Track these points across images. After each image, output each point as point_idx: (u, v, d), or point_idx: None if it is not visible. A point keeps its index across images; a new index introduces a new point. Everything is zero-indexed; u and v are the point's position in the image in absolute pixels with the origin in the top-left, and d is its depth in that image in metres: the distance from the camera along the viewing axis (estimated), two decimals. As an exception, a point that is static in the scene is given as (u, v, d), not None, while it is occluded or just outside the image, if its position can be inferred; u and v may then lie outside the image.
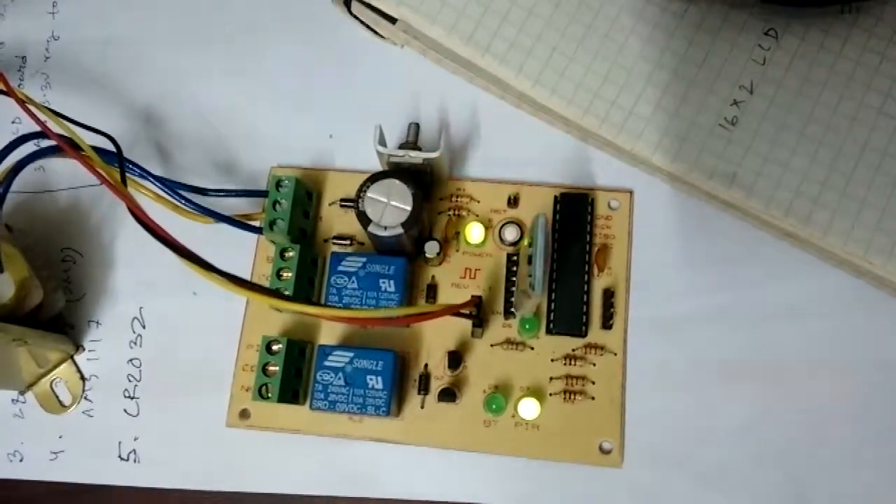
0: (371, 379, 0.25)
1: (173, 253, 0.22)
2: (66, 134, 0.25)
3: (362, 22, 0.30)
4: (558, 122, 0.28)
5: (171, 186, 0.27)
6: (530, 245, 0.23)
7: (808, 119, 0.27)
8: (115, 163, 0.26)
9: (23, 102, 0.25)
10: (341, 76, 0.31)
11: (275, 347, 0.25)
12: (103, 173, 0.24)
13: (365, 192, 0.25)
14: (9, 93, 0.26)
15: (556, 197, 0.27)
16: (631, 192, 0.28)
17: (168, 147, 0.31)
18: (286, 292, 0.25)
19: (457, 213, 0.28)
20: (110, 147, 0.26)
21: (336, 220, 0.28)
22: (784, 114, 0.27)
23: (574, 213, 0.27)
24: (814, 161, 0.26)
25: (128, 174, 0.26)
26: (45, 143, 0.25)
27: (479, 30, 0.28)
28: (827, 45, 0.27)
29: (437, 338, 0.27)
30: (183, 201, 0.27)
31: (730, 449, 0.25)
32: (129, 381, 0.28)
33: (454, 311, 0.23)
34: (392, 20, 0.29)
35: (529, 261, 0.22)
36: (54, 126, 0.25)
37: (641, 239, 0.27)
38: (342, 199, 0.28)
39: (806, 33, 0.27)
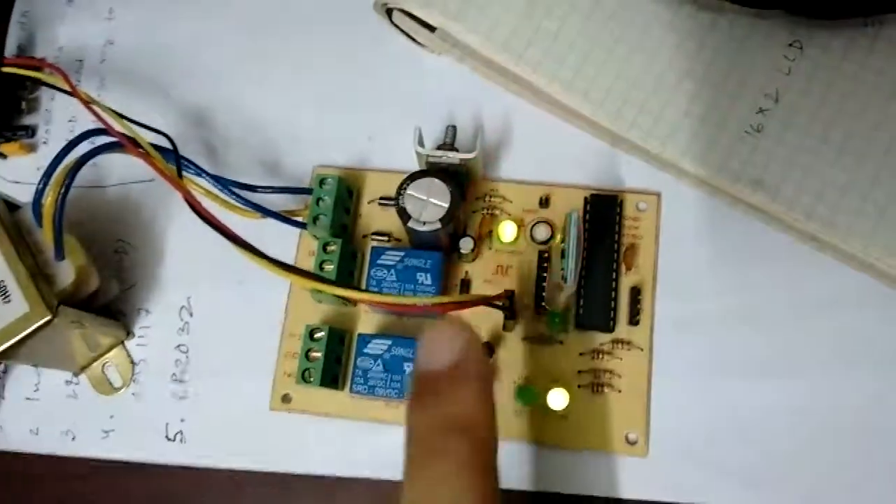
0: (408, 366, 0.26)
1: (227, 241, 0.23)
2: (126, 132, 0.26)
3: (402, 31, 0.32)
4: (589, 128, 0.30)
5: (224, 183, 0.28)
6: (563, 241, 0.24)
7: (830, 127, 0.28)
8: (170, 160, 0.27)
9: (87, 103, 0.27)
10: (381, 83, 0.32)
11: (317, 335, 0.27)
12: (163, 168, 0.25)
13: (406, 189, 0.26)
14: (73, 93, 0.28)
15: (586, 198, 0.29)
16: (658, 195, 0.29)
17: (216, 147, 0.32)
18: (328, 283, 0.27)
19: (490, 212, 0.29)
20: (165, 145, 0.28)
21: (374, 218, 0.30)
22: (808, 122, 0.28)
23: (603, 213, 0.28)
24: (835, 167, 0.27)
25: (183, 171, 0.28)
26: (100, 140, 0.26)
27: (514, 38, 0.29)
28: (850, 57, 0.28)
29: (469, 330, 0.28)
30: (233, 197, 0.28)
31: (751, 444, 0.26)
32: (177, 365, 0.30)
33: (487, 301, 0.25)
34: (431, 28, 0.30)
35: (562, 255, 0.23)
36: (116, 125, 0.27)
37: (668, 240, 0.28)
38: (381, 197, 0.30)
39: (829, 44, 0.28)
